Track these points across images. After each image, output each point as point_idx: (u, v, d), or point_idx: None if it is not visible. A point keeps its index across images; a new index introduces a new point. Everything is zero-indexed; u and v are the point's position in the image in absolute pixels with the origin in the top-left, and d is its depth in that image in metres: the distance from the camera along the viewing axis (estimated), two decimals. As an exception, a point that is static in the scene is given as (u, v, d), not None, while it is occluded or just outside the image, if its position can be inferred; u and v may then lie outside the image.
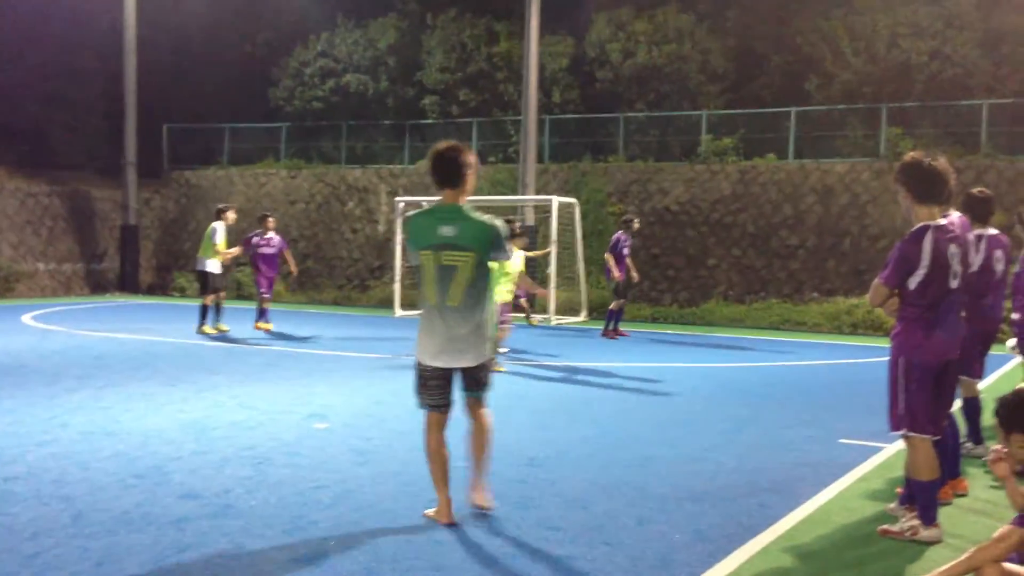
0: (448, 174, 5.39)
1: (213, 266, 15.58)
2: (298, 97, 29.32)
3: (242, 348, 14.00)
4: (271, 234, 16.63)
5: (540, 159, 24.06)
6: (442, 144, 5.48)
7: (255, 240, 16.55)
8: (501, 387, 10.75)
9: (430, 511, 5.55)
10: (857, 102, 23.44)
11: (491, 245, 5.34)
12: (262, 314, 16.75)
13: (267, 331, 16.29)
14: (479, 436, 5.66)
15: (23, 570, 4.52)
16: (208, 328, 15.55)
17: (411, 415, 8.83)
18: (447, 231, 5.28)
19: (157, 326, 16.92)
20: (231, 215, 15.94)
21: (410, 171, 26.50)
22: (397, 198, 22.82)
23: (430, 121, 27.80)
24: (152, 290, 27.32)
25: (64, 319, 18.11)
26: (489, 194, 24.03)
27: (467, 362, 5.39)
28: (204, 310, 15.63)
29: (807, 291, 21.27)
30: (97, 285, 26.58)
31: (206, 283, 15.71)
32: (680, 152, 24.56)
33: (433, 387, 5.42)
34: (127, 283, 26.72)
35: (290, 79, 29.55)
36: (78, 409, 8.72)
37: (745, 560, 4.94)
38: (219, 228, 15.62)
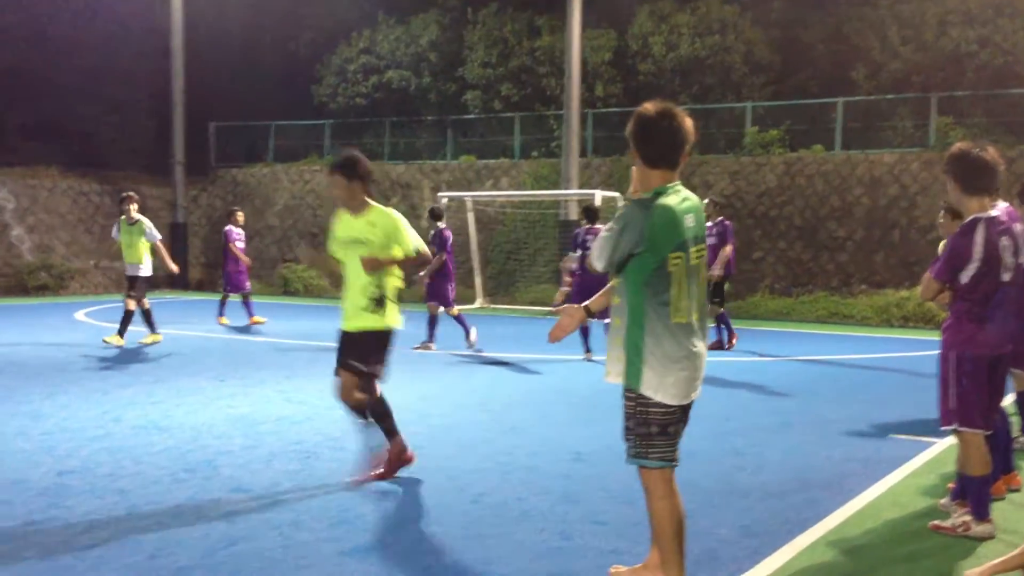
0: (671, 147, 4.03)
1: (144, 269, 13.57)
2: (341, 94, 29.53)
3: (287, 344, 14.16)
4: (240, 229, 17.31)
5: (583, 153, 23.99)
6: (653, 107, 4.05)
7: (234, 234, 17.11)
8: (543, 381, 10.77)
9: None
10: (906, 91, 23.06)
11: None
12: (222, 305, 17.07)
13: (225, 324, 16.56)
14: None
15: (78, 563, 4.62)
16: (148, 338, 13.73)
17: (455, 410, 8.89)
18: (691, 221, 4.04)
19: (205, 322, 17.16)
20: (132, 208, 13.47)
21: (453, 166, 26.57)
22: (440, 193, 22.90)
23: (472, 116, 27.85)
24: (201, 286, 27.70)
25: (116, 316, 18.38)
26: (532, 188, 24.05)
27: (698, 393, 4.20)
28: (144, 315, 13.65)
29: (855, 284, 20.99)
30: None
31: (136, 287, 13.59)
32: (725, 144, 24.33)
33: (674, 434, 4.12)
34: (176, 280, 27.08)
35: (333, 76, 29.78)
36: (130, 404, 8.88)
37: (792, 556, 4.90)
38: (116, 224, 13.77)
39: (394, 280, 6.21)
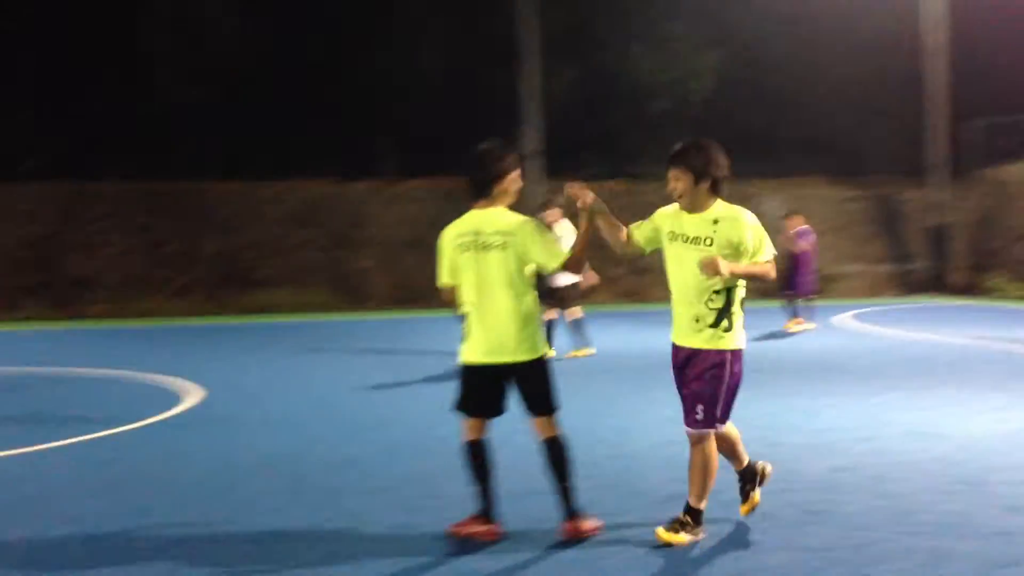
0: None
1: (558, 279, 11.58)
2: None
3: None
4: (800, 227, 16.28)
5: None
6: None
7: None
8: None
9: None
10: None
11: None
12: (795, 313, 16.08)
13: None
14: None
15: (854, 556, 4.83)
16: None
17: None
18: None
19: (970, 328, 16.41)
20: (551, 214, 12.22)
21: None
22: None
23: None
24: (964, 291, 26.61)
25: (875, 319, 18.68)
26: None
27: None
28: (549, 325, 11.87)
29: None
30: (906, 286, 26.90)
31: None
32: None
33: None
34: (937, 284, 26.61)
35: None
36: (897, 408, 8.96)
37: None
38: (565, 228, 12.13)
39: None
